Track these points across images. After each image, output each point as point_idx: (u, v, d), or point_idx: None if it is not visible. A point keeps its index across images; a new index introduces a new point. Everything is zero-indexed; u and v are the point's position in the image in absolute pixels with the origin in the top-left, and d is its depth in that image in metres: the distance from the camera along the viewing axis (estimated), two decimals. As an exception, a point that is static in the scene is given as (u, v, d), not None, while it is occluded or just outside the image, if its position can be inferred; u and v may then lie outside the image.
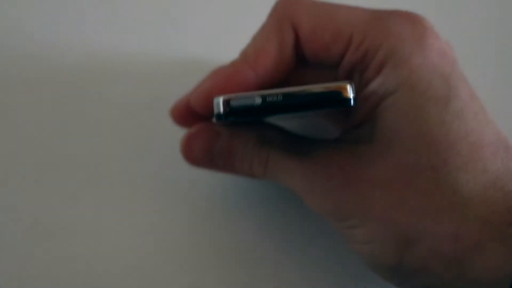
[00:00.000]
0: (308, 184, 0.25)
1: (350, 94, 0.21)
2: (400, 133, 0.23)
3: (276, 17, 0.25)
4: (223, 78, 0.25)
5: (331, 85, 0.21)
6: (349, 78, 0.25)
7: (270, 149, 0.26)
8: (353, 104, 0.21)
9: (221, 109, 0.22)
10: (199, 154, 0.27)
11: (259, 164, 0.26)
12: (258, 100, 0.21)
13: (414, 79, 0.22)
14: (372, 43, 0.23)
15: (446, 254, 0.22)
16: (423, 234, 0.22)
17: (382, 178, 0.23)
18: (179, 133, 0.28)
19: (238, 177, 0.31)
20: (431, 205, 0.22)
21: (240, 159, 0.26)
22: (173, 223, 0.31)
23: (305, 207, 0.26)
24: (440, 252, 0.22)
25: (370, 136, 0.24)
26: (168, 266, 0.30)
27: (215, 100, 0.22)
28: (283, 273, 0.30)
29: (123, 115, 0.33)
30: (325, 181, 0.24)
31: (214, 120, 0.22)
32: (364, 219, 0.23)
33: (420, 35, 0.23)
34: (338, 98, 0.21)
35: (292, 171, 0.25)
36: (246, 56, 0.26)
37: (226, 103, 0.21)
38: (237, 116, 0.21)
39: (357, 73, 0.25)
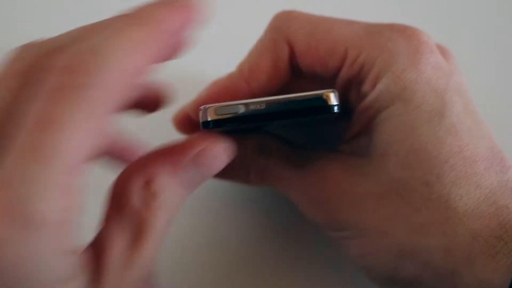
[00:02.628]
0: (303, 195, 0.26)
1: (333, 101, 0.22)
2: (394, 148, 0.23)
3: (271, 33, 0.26)
4: (219, 90, 0.26)
5: (314, 93, 0.22)
6: (341, 88, 0.25)
7: (267, 158, 0.26)
8: (337, 110, 0.22)
9: (207, 117, 0.22)
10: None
11: (256, 173, 0.27)
12: (242, 109, 0.22)
13: (408, 94, 0.23)
14: (367, 58, 0.24)
15: (438, 267, 0.22)
16: (417, 247, 0.22)
17: (376, 191, 0.23)
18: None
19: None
20: (424, 220, 0.22)
21: (238, 167, 0.27)
22: (176, 225, 0.32)
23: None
24: (433, 264, 0.22)
25: (366, 148, 0.24)
26: (168, 266, 0.31)
27: (202, 108, 0.22)
28: (283, 273, 0.30)
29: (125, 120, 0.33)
30: (320, 193, 0.25)
31: (201, 128, 0.22)
32: (357, 231, 0.24)
33: (414, 49, 0.23)
34: (321, 105, 0.22)
35: (289, 181, 0.26)
36: (241, 70, 0.26)
37: (212, 111, 0.22)
38: (221, 124, 0.22)
39: (354, 86, 0.25)
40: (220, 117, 0.22)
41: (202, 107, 0.22)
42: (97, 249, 0.18)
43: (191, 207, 0.32)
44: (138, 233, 0.19)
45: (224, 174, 0.27)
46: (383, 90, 0.23)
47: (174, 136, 0.29)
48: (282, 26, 0.26)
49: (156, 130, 0.33)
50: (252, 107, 0.22)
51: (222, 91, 0.26)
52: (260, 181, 0.27)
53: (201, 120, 0.22)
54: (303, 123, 0.28)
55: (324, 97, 0.22)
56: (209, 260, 0.31)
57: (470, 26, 0.38)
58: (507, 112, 0.35)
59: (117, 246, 0.18)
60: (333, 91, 0.22)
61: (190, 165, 0.21)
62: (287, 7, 0.27)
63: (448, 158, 0.22)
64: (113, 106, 0.17)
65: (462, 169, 0.22)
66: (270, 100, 0.22)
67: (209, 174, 0.21)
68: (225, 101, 0.23)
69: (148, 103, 0.26)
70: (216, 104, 0.22)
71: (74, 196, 0.16)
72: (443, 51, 0.25)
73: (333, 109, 0.22)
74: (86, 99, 0.16)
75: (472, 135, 0.23)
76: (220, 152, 0.21)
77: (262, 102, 0.22)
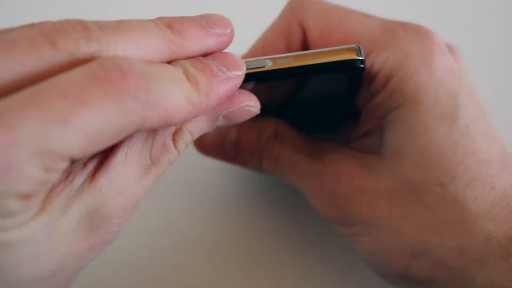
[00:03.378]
0: (316, 187, 0.25)
1: (360, 55, 0.21)
2: (408, 148, 0.23)
3: (286, 15, 0.26)
4: None
5: (341, 48, 0.21)
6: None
7: (281, 145, 0.26)
8: (362, 65, 0.21)
9: None
10: (211, 143, 0.28)
11: (269, 159, 0.26)
12: (270, 63, 0.21)
13: (420, 96, 0.23)
14: (379, 56, 0.23)
15: (451, 266, 0.22)
16: (429, 246, 0.23)
17: (390, 190, 0.23)
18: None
19: (239, 177, 0.32)
20: (438, 220, 0.22)
21: (251, 152, 0.27)
22: (172, 223, 0.32)
23: (308, 207, 0.27)
24: (445, 264, 0.22)
25: (377, 146, 0.24)
26: (167, 265, 0.31)
27: None
28: (284, 273, 0.30)
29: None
30: (334, 187, 0.25)
31: None
32: (369, 228, 0.24)
33: (427, 51, 0.23)
34: (349, 59, 0.21)
35: (301, 171, 0.26)
36: (255, 50, 0.26)
37: None
38: (250, 79, 0.21)
39: (365, 82, 0.25)
40: (248, 71, 0.21)
41: None
42: None
43: (191, 206, 0.32)
44: None
45: (238, 158, 0.27)
46: (395, 90, 0.23)
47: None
48: (298, 10, 0.25)
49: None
50: (280, 61, 0.21)
51: None
52: (272, 169, 0.27)
53: None
54: (327, 89, 0.27)
55: (352, 51, 0.21)
56: (212, 256, 0.31)
57: (476, 25, 0.38)
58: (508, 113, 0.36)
59: None
60: (358, 47, 0.21)
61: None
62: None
63: (462, 160, 0.22)
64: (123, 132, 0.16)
65: (476, 171, 0.22)
66: (298, 54, 0.21)
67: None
68: None
69: None
70: (244, 59, 0.21)
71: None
72: (452, 51, 0.25)
73: (360, 63, 0.21)
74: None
75: (486, 137, 0.23)
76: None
77: (289, 56, 0.21)
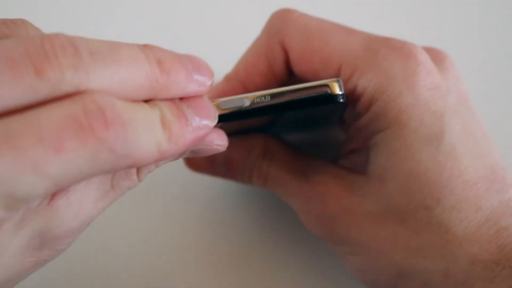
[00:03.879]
0: (304, 207, 0.26)
1: (338, 90, 0.21)
2: (392, 172, 0.23)
3: (268, 34, 0.25)
4: (218, 94, 0.26)
5: (319, 83, 0.21)
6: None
7: (270, 163, 0.26)
8: (342, 100, 0.21)
9: None
10: (201, 160, 0.28)
11: (259, 177, 0.27)
12: (247, 102, 0.21)
13: (404, 118, 0.22)
14: (361, 78, 0.23)
15: None
16: (415, 269, 0.23)
17: (375, 213, 0.23)
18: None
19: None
20: (423, 243, 0.22)
21: (241, 168, 0.27)
22: (172, 223, 0.32)
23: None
24: (431, 286, 0.23)
25: (363, 166, 0.24)
26: (166, 265, 0.31)
27: None
28: (281, 275, 0.31)
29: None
30: (321, 208, 0.25)
31: None
32: (358, 248, 0.24)
33: (411, 71, 0.22)
34: (326, 95, 0.21)
35: (290, 191, 0.26)
36: (238, 72, 0.26)
37: (217, 106, 0.21)
38: (226, 118, 0.21)
39: (349, 102, 0.24)
40: (225, 111, 0.21)
41: None
42: None
43: (189, 208, 0.32)
44: None
45: (228, 175, 0.27)
46: (378, 113, 0.23)
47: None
48: (278, 29, 0.25)
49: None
50: (257, 99, 0.21)
51: (220, 95, 0.25)
52: (262, 185, 0.27)
53: None
54: (309, 119, 0.27)
55: (329, 86, 0.21)
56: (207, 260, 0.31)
57: (471, 29, 0.36)
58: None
59: None
60: (337, 81, 0.21)
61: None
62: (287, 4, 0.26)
63: (448, 182, 0.22)
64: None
65: (462, 193, 0.22)
66: (275, 91, 0.21)
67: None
68: None
69: None
70: (220, 99, 0.21)
71: None
72: (442, 59, 0.24)
73: (338, 98, 0.21)
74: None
75: (473, 156, 0.23)
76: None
77: (267, 94, 0.21)
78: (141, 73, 0.17)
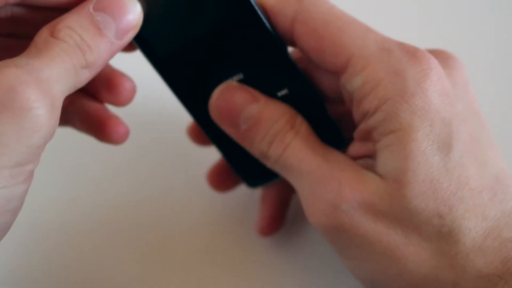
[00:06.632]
0: (315, 191, 0.24)
1: None
2: (410, 175, 0.22)
3: None
4: None
5: None
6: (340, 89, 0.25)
7: (295, 135, 0.25)
8: None
9: None
10: (229, 107, 0.26)
11: (279, 145, 0.25)
12: None
13: (416, 122, 0.22)
14: (372, 75, 0.23)
15: None
16: (427, 278, 0.22)
17: (389, 216, 0.23)
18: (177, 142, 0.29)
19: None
20: (435, 251, 0.22)
21: (264, 132, 0.25)
22: (172, 223, 0.32)
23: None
24: None
25: (376, 165, 0.23)
26: (166, 265, 0.31)
27: None
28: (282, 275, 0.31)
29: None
30: (334, 194, 0.23)
31: None
32: (364, 252, 0.23)
33: (424, 75, 0.22)
34: None
35: (306, 168, 0.25)
36: None
37: None
38: None
39: (355, 96, 0.24)
40: None
41: None
42: None
43: (190, 208, 0.32)
44: None
45: (250, 134, 0.26)
46: (390, 113, 0.22)
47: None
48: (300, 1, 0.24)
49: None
50: None
51: None
52: (278, 157, 0.25)
53: None
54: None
55: None
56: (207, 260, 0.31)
57: (481, 32, 0.37)
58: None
59: None
60: None
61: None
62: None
63: (457, 190, 0.22)
64: None
65: (469, 201, 0.22)
66: None
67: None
68: None
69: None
70: None
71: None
72: (451, 62, 0.25)
73: None
74: None
75: (478, 163, 0.23)
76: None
77: None
78: None
